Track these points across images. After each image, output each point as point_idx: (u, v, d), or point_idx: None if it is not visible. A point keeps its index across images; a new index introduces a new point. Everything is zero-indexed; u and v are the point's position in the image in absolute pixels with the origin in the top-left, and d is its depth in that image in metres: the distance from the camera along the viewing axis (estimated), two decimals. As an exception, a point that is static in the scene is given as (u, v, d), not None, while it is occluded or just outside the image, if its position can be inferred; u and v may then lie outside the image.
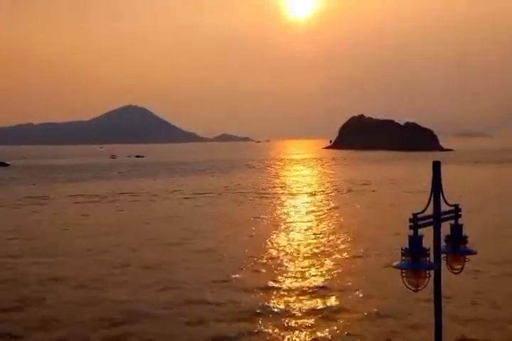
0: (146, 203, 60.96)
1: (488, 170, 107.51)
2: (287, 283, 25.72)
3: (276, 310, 21.72)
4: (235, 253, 32.38)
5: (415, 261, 5.79)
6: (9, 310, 22.31)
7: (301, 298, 23.30)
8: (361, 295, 23.39)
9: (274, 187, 79.64)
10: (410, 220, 5.89)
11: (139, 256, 32.33)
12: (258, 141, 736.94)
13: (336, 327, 19.69)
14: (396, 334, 19.02)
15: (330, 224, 43.24)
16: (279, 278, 26.61)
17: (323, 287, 24.88)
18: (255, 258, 30.72)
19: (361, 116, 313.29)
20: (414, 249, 5.80)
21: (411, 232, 5.87)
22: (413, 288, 5.93)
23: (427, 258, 5.85)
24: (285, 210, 53.64)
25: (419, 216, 5.97)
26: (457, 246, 6.52)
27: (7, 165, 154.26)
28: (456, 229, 6.57)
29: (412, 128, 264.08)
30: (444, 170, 6.33)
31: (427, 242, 5.93)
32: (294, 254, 31.99)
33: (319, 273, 27.55)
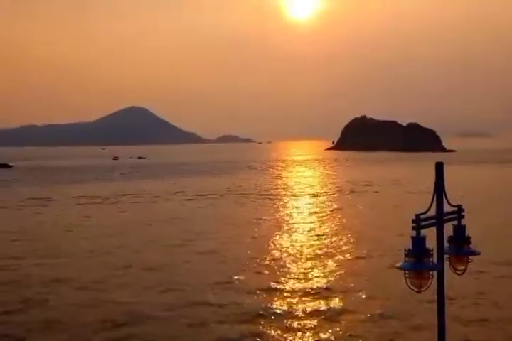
0: (148, 205, 60.99)
1: (490, 171, 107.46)
2: (290, 284, 25.70)
3: (278, 311, 21.70)
4: (238, 254, 32.37)
5: (418, 261, 5.76)
6: (12, 312, 22.31)
7: (303, 299, 23.28)
8: (364, 296, 23.37)
9: (277, 188, 79.61)
10: (413, 221, 5.87)
11: (141, 257, 32.33)
12: (260, 142, 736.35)
13: (338, 329, 19.67)
14: (399, 335, 18.99)
15: (332, 225, 43.21)
16: (282, 279, 26.59)
17: (325, 288, 24.86)
18: (258, 260, 30.71)
19: (363, 117, 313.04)
20: (417, 250, 5.78)
21: (414, 233, 5.85)
22: (416, 289, 5.90)
23: (430, 259, 5.82)
24: (287, 211, 53.62)
25: (422, 217, 5.95)
26: (460, 246, 6.49)
27: (10, 166, 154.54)
28: (459, 229, 6.54)
29: (414, 128, 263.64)
30: (446, 170, 6.31)
31: (430, 243, 5.91)
32: (297, 255, 31.97)
33: (322, 275, 27.52)
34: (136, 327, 20.35)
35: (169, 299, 23.69)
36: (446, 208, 6.32)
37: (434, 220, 6.17)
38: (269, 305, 22.39)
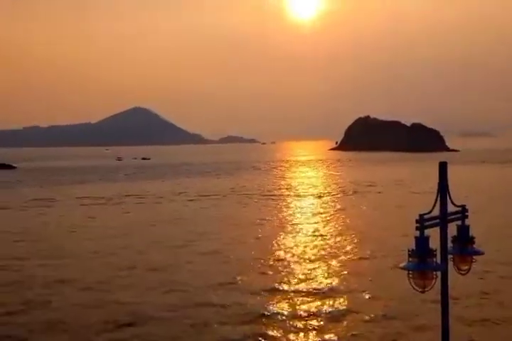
0: (152, 205, 61.03)
1: (493, 170, 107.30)
2: (293, 284, 25.67)
3: (281, 312, 21.67)
4: (241, 255, 32.35)
5: (422, 262, 5.74)
6: (15, 313, 22.29)
7: (307, 299, 23.24)
8: (368, 297, 23.33)
9: (280, 188, 79.58)
10: (417, 221, 5.85)
11: (145, 258, 32.34)
12: (264, 143, 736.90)
13: (341, 329, 19.64)
14: (402, 336, 18.95)
15: (336, 226, 43.16)
16: (285, 279, 26.56)
17: (329, 289, 24.82)
18: (261, 260, 30.69)
19: (367, 117, 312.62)
20: (420, 250, 5.75)
21: (417, 233, 5.82)
22: (420, 290, 5.88)
23: (434, 259, 5.80)
24: (291, 212, 53.60)
25: (426, 217, 5.93)
26: (464, 246, 6.46)
27: (14, 167, 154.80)
28: (463, 229, 6.51)
29: (418, 128, 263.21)
30: (450, 170, 6.28)
31: (434, 243, 5.89)
32: (300, 256, 31.94)
33: (325, 275, 27.49)
34: (140, 327, 20.35)
35: (172, 299, 23.69)
36: (450, 208, 6.30)
37: (437, 220, 6.15)
38: (272, 306, 22.36)
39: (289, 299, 23.34)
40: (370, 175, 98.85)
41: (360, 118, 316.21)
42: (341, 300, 23.11)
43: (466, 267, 6.50)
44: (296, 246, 35.04)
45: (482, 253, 6.53)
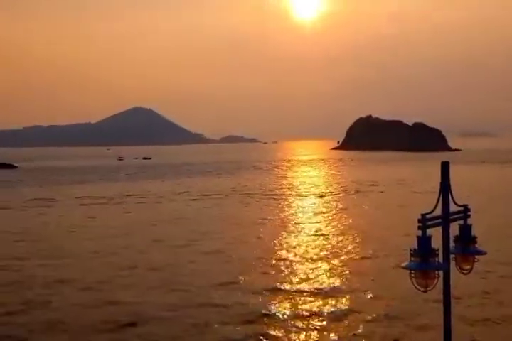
0: (153, 205, 61.03)
1: (494, 170, 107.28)
2: (295, 284, 25.64)
3: (283, 311, 21.64)
4: (243, 254, 32.33)
5: (424, 261, 5.71)
6: (15, 313, 22.26)
7: (309, 299, 23.21)
8: (370, 296, 23.30)
9: (282, 188, 79.59)
10: (419, 221, 5.82)
11: (146, 258, 32.32)
12: (265, 142, 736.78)
13: (343, 329, 19.60)
14: (404, 335, 18.92)
15: (338, 225, 43.13)
16: (287, 279, 26.53)
17: (331, 288, 24.79)
18: (263, 260, 30.66)
19: (369, 117, 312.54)
20: (422, 250, 5.73)
21: (419, 233, 5.80)
22: (422, 289, 5.86)
23: (436, 259, 5.77)
24: (293, 211, 53.58)
25: (428, 216, 5.90)
26: (466, 246, 6.44)
27: (15, 167, 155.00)
28: (465, 229, 6.49)
29: (420, 128, 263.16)
30: (452, 170, 6.25)
31: (436, 243, 5.85)
32: (302, 255, 31.91)
33: (327, 275, 27.46)
34: (141, 327, 20.31)
35: (174, 299, 23.66)
36: (452, 208, 6.26)
37: (440, 220, 6.12)
38: (274, 306, 22.33)
39: (290, 299, 23.31)
40: (372, 175, 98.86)
41: (361, 118, 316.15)
42: (343, 299, 23.08)
43: (468, 267, 6.47)
44: (298, 245, 35.01)
45: (484, 253, 6.50)
